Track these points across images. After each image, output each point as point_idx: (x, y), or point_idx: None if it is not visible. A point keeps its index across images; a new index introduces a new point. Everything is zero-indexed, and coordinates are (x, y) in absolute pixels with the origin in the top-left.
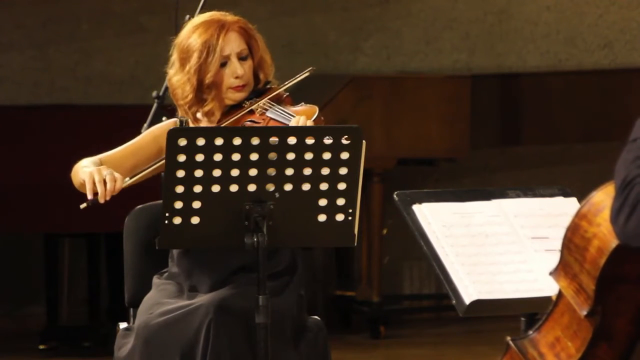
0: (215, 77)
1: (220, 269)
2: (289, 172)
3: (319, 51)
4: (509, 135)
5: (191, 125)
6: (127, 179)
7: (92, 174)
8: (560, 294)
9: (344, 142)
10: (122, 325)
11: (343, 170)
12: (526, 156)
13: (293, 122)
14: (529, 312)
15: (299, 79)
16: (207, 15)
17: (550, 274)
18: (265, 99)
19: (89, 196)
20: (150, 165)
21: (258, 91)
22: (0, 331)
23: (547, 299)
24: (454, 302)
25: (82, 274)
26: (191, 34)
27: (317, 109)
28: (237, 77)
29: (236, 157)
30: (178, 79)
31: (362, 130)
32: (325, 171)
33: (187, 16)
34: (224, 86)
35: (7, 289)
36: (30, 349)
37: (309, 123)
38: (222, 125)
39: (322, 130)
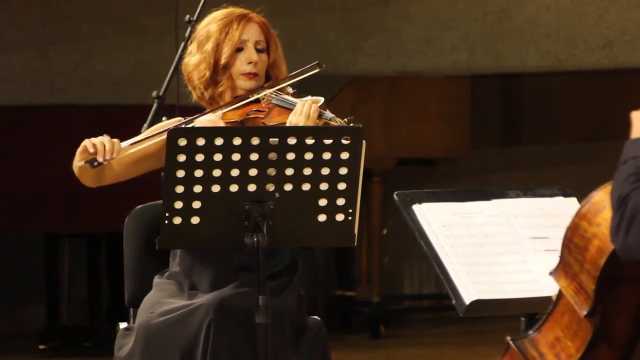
0: (230, 59)
1: (221, 269)
2: (289, 172)
3: (319, 51)
4: (509, 135)
5: (206, 110)
6: (127, 144)
7: (90, 139)
8: (560, 294)
9: (344, 142)
10: (122, 325)
11: (343, 170)
12: (526, 156)
13: (299, 105)
14: (529, 312)
15: (307, 74)
16: (230, 9)
17: (551, 273)
18: (272, 89)
19: (91, 150)
20: (151, 135)
21: (265, 88)
22: (0, 331)
23: (547, 299)
24: (454, 302)
25: (82, 274)
26: (212, 21)
27: (322, 99)
28: (250, 63)
29: (236, 157)
30: (195, 59)
31: (362, 130)
32: (325, 171)
33: (187, 16)
34: (236, 71)
35: (7, 289)
36: (30, 349)
37: (314, 107)
38: (227, 111)
39: (322, 131)
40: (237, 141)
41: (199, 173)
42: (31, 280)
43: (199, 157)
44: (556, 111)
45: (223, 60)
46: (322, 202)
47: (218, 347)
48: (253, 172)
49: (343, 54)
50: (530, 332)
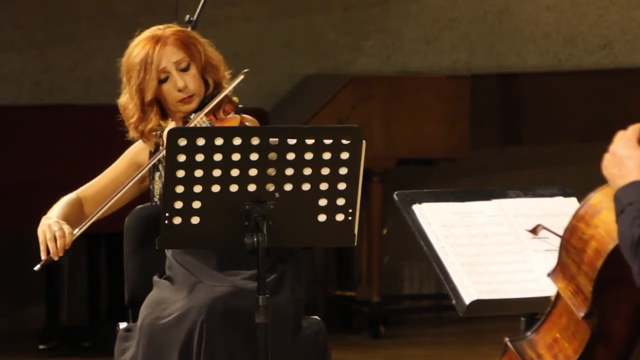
0: (156, 93)
1: (215, 267)
2: (289, 172)
3: (319, 51)
4: (509, 135)
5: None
6: (77, 230)
7: (44, 232)
8: (558, 295)
9: (344, 142)
10: (122, 325)
11: (343, 170)
12: (526, 156)
13: None
14: (529, 312)
15: (234, 84)
16: (147, 32)
17: (549, 275)
18: (203, 113)
19: (43, 256)
20: (96, 213)
21: (209, 97)
22: (0, 331)
23: (547, 299)
24: (454, 302)
25: (82, 274)
26: (132, 52)
27: (238, 118)
28: (180, 90)
29: (236, 157)
30: (124, 99)
31: (362, 130)
32: (325, 171)
33: (187, 16)
34: (172, 100)
35: (7, 289)
36: (30, 349)
37: None
38: None
39: (322, 131)
40: (237, 141)
41: (199, 173)
42: (31, 280)
43: (199, 157)
44: (556, 111)
45: (148, 97)
46: (322, 202)
47: (211, 347)
48: (253, 172)
49: (343, 54)
50: (528, 333)
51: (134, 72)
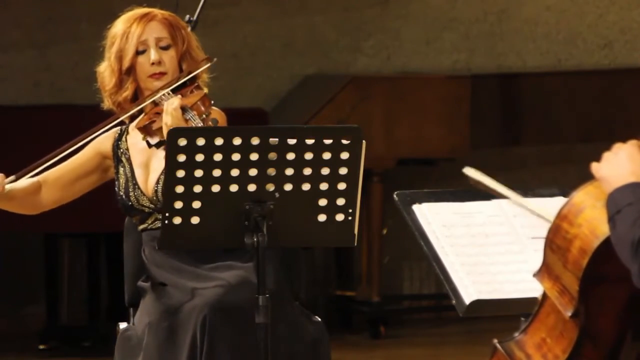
0: (132, 62)
1: (193, 265)
2: (289, 172)
3: (319, 51)
4: (509, 135)
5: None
6: (12, 177)
7: None
8: (545, 295)
9: (344, 142)
10: (122, 325)
11: (343, 170)
12: (526, 156)
13: (166, 104)
14: (529, 312)
15: (199, 70)
16: (135, 10)
17: (534, 275)
18: (168, 89)
19: None
20: (37, 165)
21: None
22: (0, 331)
23: None
24: (454, 302)
25: (82, 274)
26: (118, 23)
27: (203, 92)
28: (152, 64)
29: (236, 157)
30: (103, 66)
31: (362, 130)
32: (325, 171)
33: (187, 16)
34: (143, 74)
35: (7, 289)
36: (30, 349)
37: (175, 104)
38: (136, 116)
39: (322, 131)
40: (237, 141)
41: (199, 173)
42: (31, 280)
43: (199, 157)
44: (556, 111)
45: (125, 65)
46: (322, 202)
47: (213, 346)
48: (253, 172)
49: (343, 54)
50: (516, 334)
51: (117, 39)
